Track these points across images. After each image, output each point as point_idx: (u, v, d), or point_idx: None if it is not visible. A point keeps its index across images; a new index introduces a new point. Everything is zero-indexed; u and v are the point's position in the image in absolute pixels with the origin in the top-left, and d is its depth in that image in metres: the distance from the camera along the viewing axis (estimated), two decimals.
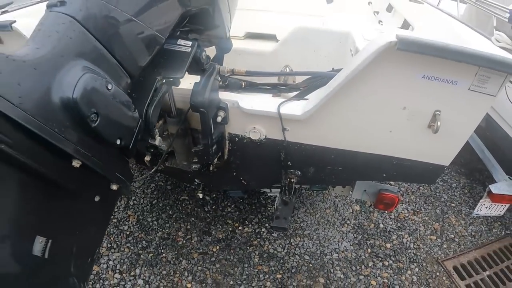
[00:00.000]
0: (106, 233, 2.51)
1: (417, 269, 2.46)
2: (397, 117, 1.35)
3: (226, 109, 1.46)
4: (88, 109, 0.82)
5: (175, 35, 1.28)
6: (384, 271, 2.43)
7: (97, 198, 1.01)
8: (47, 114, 0.77)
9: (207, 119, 1.36)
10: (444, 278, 2.43)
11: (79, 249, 1.00)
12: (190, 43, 1.25)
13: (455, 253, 2.62)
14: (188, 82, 1.34)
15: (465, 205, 3.08)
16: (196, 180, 1.86)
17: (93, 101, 0.83)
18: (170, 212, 2.78)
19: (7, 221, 0.77)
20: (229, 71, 1.62)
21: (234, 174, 1.80)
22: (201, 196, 2.00)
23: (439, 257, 2.57)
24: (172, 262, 2.39)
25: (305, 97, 1.57)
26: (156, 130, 1.35)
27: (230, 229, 2.65)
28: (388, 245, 2.61)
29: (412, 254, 2.57)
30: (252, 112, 1.46)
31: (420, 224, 2.84)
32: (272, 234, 2.61)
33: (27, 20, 1.72)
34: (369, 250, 2.56)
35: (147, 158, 1.62)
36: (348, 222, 2.78)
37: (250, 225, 2.69)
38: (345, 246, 2.57)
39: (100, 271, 2.30)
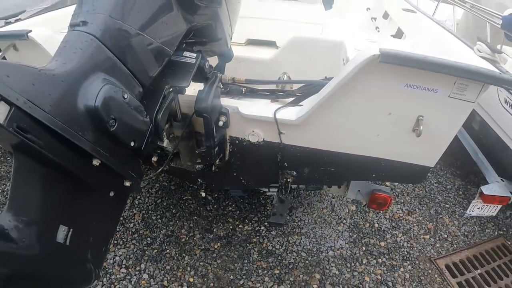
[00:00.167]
0: None
1: (409, 267, 2.54)
2: (383, 122, 1.46)
3: (227, 114, 1.58)
4: (108, 116, 0.95)
5: (181, 47, 1.40)
6: (377, 268, 2.51)
7: (112, 193, 1.14)
8: (72, 120, 0.91)
9: (210, 123, 1.49)
10: (436, 275, 2.51)
11: (95, 238, 1.13)
12: (194, 55, 1.38)
13: (448, 252, 2.69)
14: (192, 88, 1.45)
15: (459, 206, 3.14)
16: (199, 180, 1.97)
17: (111, 108, 0.97)
18: (173, 210, 2.89)
19: (37, 208, 0.90)
20: (230, 79, 1.74)
21: (235, 174, 1.91)
22: (203, 195, 2.10)
23: (432, 256, 2.64)
24: (175, 258, 2.49)
25: (300, 103, 1.69)
26: (164, 133, 1.47)
27: (231, 227, 2.75)
28: (382, 244, 2.70)
29: (406, 253, 2.65)
30: (251, 117, 1.58)
31: (414, 224, 2.91)
32: (271, 232, 2.72)
33: (42, 29, 1.82)
34: (363, 248, 2.65)
35: (154, 158, 1.74)
36: (344, 221, 2.87)
37: (250, 223, 2.79)
38: (340, 244, 2.66)
39: (107, 266, 2.40)
